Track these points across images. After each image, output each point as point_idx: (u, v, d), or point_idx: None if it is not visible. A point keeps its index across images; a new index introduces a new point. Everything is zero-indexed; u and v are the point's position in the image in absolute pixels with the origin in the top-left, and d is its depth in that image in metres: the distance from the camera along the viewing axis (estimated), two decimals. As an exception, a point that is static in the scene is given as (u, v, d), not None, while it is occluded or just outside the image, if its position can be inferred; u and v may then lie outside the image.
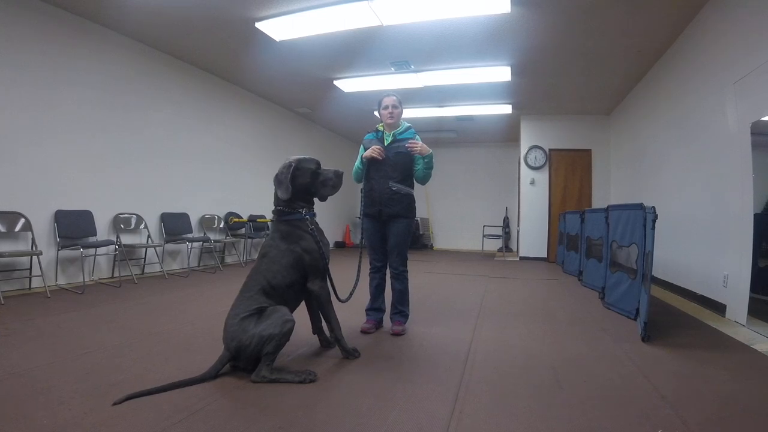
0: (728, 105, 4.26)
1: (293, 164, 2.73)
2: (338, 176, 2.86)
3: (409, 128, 3.52)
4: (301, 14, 5.15)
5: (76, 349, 2.81)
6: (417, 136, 3.48)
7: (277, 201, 2.77)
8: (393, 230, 3.43)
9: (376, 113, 3.59)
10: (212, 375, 2.34)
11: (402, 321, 3.50)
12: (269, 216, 8.52)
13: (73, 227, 5.17)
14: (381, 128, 3.53)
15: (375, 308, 3.60)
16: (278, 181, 2.70)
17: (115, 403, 1.98)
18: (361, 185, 3.56)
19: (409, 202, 3.45)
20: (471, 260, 9.85)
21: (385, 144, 3.45)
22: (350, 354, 2.78)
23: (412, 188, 3.50)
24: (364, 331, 3.42)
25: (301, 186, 2.75)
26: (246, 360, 2.38)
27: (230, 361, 2.42)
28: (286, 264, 2.63)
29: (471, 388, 2.33)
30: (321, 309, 2.78)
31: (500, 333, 3.52)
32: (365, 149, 3.48)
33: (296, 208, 2.75)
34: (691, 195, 5.18)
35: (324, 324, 2.94)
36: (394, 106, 3.43)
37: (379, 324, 3.60)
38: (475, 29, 5.49)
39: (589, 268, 5.89)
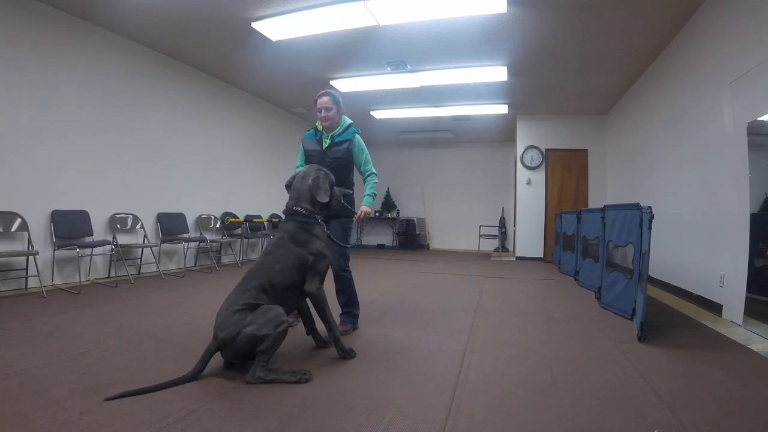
0: (725, 105, 4.28)
1: (328, 174, 2.94)
2: (341, 195, 3.07)
3: (349, 127, 3.45)
4: (298, 14, 5.15)
5: (73, 349, 2.80)
6: (357, 135, 3.44)
7: (295, 202, 2.81)
8: (330, 228, 3.37)
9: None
10: (201, 368, 2.34)
11: (347, 321, 3.45)
12: (265, 216, 8.58)
13: (70, 227, 5.16)
14: (320, 127, 3.47)
15: (346, 312, 3.59)
16: (317, 185, 2.82)
17: (107, 399, 2.01)
18: None
19: (348, 203, 3.38)
20: (467, 260, 9.85)
21: (323, 147, 3.40)
22: (347, 354, 2.78)
23: (351, 188, 3.48)
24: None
25: None
26: (233, 353, 2.37)
27: (217, 351, 2.39)
28: (291, 265, 2.64)
29: (467, 388, 2.33)
30: (318, 310, 2.78)
31: (497, 333, 3.52)
32: (303, 148, 3.50)
33: (312, 214, 2.81)
34: (688, 195, 5.19)
35: (318, 324, 2.96)
36: (327, 108, 3.34)
37: (354, 325, 3.53)
38: (472, 29, 5.49)
39: (585, 268, 5.90)
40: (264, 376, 2.31)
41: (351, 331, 3.41)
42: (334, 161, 3.32)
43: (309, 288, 2.72)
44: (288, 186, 2.93)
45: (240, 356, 2.38)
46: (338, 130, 3.43)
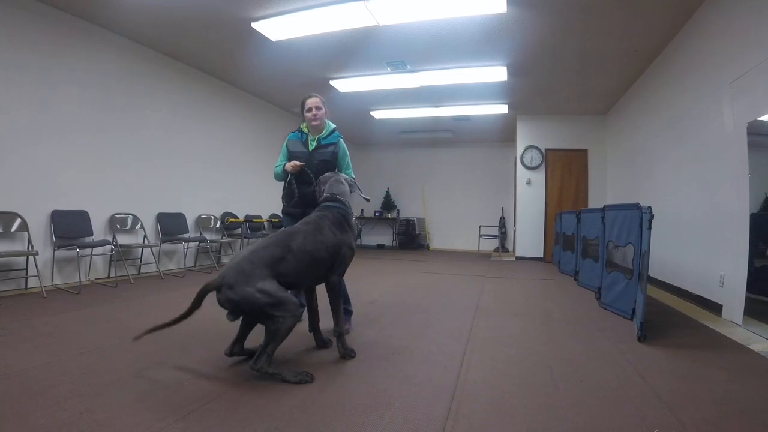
0: (725, 105, 4.28)
1: None
2: None
3: (333, 131, 3.48)
4: (298, 14, 5.14)
5: (73, 349, 2.81)
6: (341, 140, 3.47)
7: (337, 193, 2.98)
8: None
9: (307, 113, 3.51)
10: (196, 305, 2.36)
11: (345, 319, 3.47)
12: (265, 216, 8.58)
13: (70, 227, 5.15)
14: (305, 129, 3.48)
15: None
16: (355, 185, 3.17)
17: (136, 338, 2.35)
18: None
19: None
20: (467, 260, 9.86)
21: (310, 149, 3.41)
22: (348, 353, 2.79)
23: None
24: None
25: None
26: (230, 301, 2.31)
27: (215, 290, 2.35)
28: (328, 243, 2.73)
29: (467, 388, 2.33)
30: (334, 301, 2.83)
31: (496, 333, 3.52)
32: (288, 149, 3.47)
33: (349, 205, 3.00)
34: (688, 195, 5.19)
35: (321, 325, 3.01)
36: (318, 108, 3.37)
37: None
38: (472, 29, 5.49)
39: (585, 268, 5.90)
40: (267, 369, 2.32)
41: (349, 330, 3.41)
42: (320, 163, 3.34)
43: (333, 278, 2.81)
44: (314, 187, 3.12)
45: (234, 307, 2.35)
46: (324, 133, 3.45)
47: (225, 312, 2.43)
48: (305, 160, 3.35)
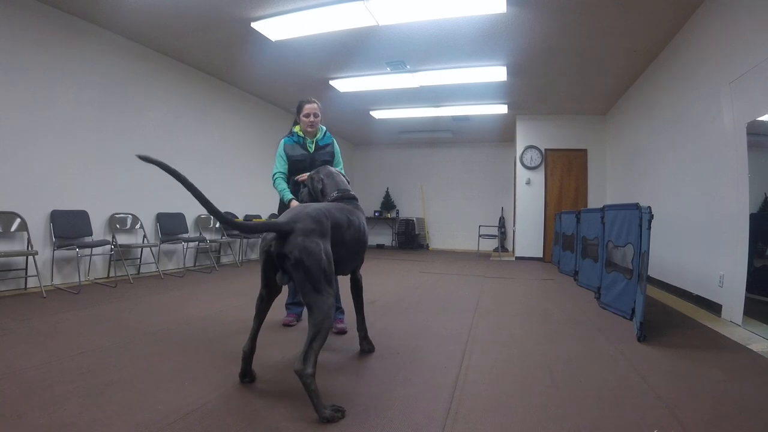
0: (724, 105, 4.28)
1: None
2: None
3: (326, 132, 3.58)
4: (297, 14, 5.14)
5: (72, 349, 2.80)
6: (335, 141, 3.59)
7: (350, 190, 2.92)
8: None
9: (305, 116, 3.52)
10: (246, 229, 2.15)
11: (342, 318, 3.54)
12: (265, 216, 8.58)
13: (69, 227, 5.15)
14: (300, 133, 3.51)
15: (295, 302, 3.67)
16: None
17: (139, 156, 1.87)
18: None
19: None
20: (467, 260, 9.86)
21: (311, 151, 3.49)
22: (371, 349, 2.93)
23: None
24: (285, 324, 3.55)
25: None
26: (297, 249, 2.03)
27: (286, 233, 2.07)
28: (366, 232, 2.79)
29: (466, 388, 2.33)
30: (359, 298, 2.97)
31: (496, 333, 3.52)
32: (286, 153, 3.47)
33: None
34: (687, 195, 5.19)
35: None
36: (315, 115, 3.43)
37: (299, 317, 3.67)
38: (471, 29, 5.49)
39: (584, 268, 5.91)
40: (313, 380, 1.90)
41: (345, 330, 3.42)
42: (323, 163, 3.38)
43: (358, 275, 2.94)
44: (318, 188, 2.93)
45: (296, 262, 2.02)
46: (319, 135, 3.54)
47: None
48: (308, 162, 3.43)
